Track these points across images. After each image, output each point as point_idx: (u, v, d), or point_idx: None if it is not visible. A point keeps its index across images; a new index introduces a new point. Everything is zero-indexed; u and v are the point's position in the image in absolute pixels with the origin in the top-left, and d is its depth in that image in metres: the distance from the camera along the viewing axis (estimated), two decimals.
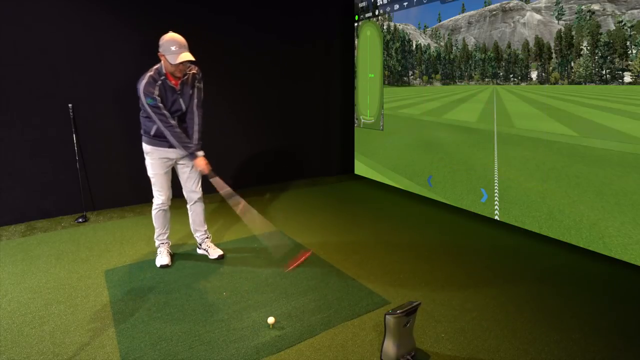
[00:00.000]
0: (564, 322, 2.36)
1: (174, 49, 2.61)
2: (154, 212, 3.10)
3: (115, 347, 2.17)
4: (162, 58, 2.69)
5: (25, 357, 2.09)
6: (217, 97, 4.99)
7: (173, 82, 2.78)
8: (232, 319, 2.41)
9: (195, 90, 2.91)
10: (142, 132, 2.97)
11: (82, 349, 2.15)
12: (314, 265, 3.11)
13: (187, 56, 2.63)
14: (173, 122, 2.80)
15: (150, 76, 2.72)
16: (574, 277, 2.91)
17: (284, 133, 5.66)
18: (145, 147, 2.98)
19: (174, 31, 2.74)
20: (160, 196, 3.06)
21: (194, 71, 2.91)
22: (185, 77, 2.84)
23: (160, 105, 2.73)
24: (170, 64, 2.64)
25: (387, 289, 2.75)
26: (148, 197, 4.93)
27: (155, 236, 3.19)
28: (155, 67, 2.77)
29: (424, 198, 4.76)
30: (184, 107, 2.88)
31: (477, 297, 2.64)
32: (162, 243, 3.19)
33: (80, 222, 4.15)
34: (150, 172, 3.03)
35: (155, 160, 2.98)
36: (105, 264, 3.18)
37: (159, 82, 2.73)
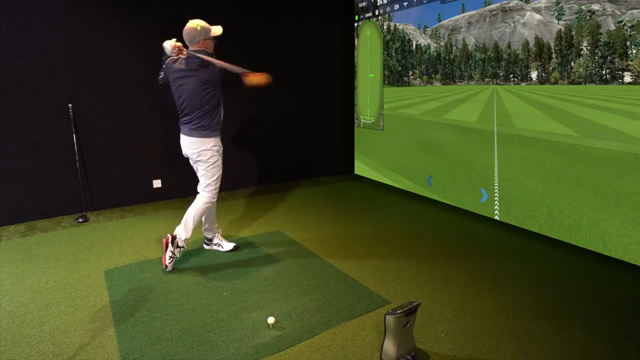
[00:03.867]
0: (564, 322, 2.36)
1: (210, 26, 2.91)
2: (208, 206, 3.09)
3: (115, 347, 2.17)
4: (205, 41, 2.89)
5: (25, 357, 2.09)
6: None
7: None
8: (232, 319, 2.41)
9: None
10: (207, 129, 2.95)
11: (82, 349, 2.15)
12: (314, 265, 3.11)
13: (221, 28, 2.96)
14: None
15: (209, 52, 2.94)
16: (574, 277, 2.91)
17: (283, 133, 5.66)
18: (215, 142, 2.99)
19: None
20: (217, 193, 3.13)
21: None
22: None
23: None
24: (212, 40, 2.94)
25: (387, 289, 2.75)
26: (148, 197, 4.94)
27: (205, 228, 3.31)
28: (201, 54, 2.88)
29: (424, 198, 4.76)
30: None
31: (477, 297, 2.64)
32: (217, 232, 3.38)
33: (80, 222, 4.15)
34: (218, 170, 3.04)
35: (220, 157, 3.04)
36: (105, 264, 3.18)
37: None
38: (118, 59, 4.38)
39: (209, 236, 3.39)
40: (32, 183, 4.15)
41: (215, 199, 3.12)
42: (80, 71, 4.23)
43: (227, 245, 3.38)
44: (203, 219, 3.29)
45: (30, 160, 4.11)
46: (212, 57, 2.90)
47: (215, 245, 3.40)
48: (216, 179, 3.06)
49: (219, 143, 3.04)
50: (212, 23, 3.02)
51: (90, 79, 4.30)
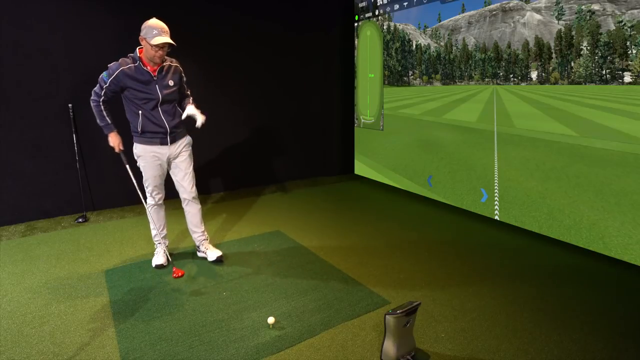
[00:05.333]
0: (564, 322, 2.36)
1: (155, 32, 2.66)
2: (148, 210, 3.08)
3: (115, 347, 2.17)
4: (142, 41, 2.72)
5: (25, 357, 2.09)
6: (216, 96, 4.99)
7: (149, 68, 2.78)
8: (232, 319, 2.41)
9: (184, 84, 3.02)
10: (132, 132, 2.93)
11: (82, 349, 2.15)
12: (314, 265, 3.11)
13: (166, 39, 2.67)
14: (101, 103, 2.81)
15: (123, 58, 2.78)
16: (573, 277, 2.91)
17: (283, 133, 5.66)
18: (136, 148, 2.92)
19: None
20: (153, 198, 3.04)
21: (177, 64, 2.95)
22: (166, 66, 2.85)
23: (105, 85, 2.75)
24: (150, 47, 2.67)
25: (387, 289, 2.75)
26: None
27: (152, 235, 3.18)
28: (130, 54, 2.81)
29: (424, 198, 4.76)
30: (160, 95, 2.81)
31: (477, 297, 2.64)
32: (159, 243, 3.16)
33: (80, 222, 4.15)
34: (143, 175, 2.97)
35: (147, 163, 2.92)
36: (105, 264, 3.18)
37: (131, 65, 2.75)
38: (118, 59, 4.37)
39: (196, 243, 3.24)
40: (32, 183, 4.15)
41: (152, 204, 3.03)
42: (80, 71, 4.23)
43: (212, 255, 3.16)
44: (187, 222, 3.17)
45: (30, 160, 4.11)
46: (130, 62, 2.75)
47: (201, 252, 3.24)
48: (145, 182, 2.98)
49: (139, 151, 2.91)
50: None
51: (90, 79, 4.28)
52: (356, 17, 5.60)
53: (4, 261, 3.25)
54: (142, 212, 4.44)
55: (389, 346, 1.98)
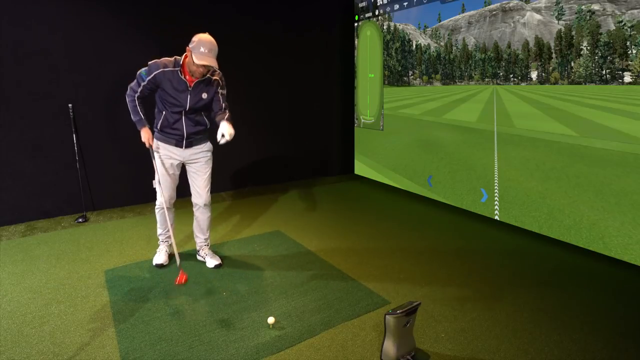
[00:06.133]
0: (564, 322, 2.36)
1: (203, 50, 2.58)
2: (155, 210, 3.09)
3: (115, 347, 2.17)
4: (188, 52, 2.66)
5: (25, 357, 2.09)
6: None
7: (187, 77, 2.73)
8: (232, 319, 2.41)
9: (220, 96, 2.88)
10: (154, 127, 2.94)
11: (82, 349, 2.15)
12: (314, 265, 3.11)
13: (210, 61, 2.60)
14: (136, 99, 2.80)
15: (167, 59, 2.73)
16: (573, 277, 2.91)
17: (283, 133, 5.66)
18: (155, 143, 2.94)
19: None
20: (160, 197, 3.01)
21: (217, 77, 2.85)
22: (205, 79, 2.78)
23: (143, 83, 2.73)
24: (193, 62, 2.62)
25: (387, 289, 2.75)
26: (148, 197, 4.93)
27: (157, 233, 3.19)
28: (177, 56, 2.76)
29: (424, 198, 4.76)
30: (188, 105, 2.79)
31: (477, 297, 2.64)
32: (162, 241, 3.17)
33: (80, 222, 4.15)
34: (157, 170, 2.95)
35: (164, 159, 2.95)
36: (105, 264, 3.18)
37: (171, 69, 2.71)
38: (118, 59, 4.38)
39: (197, 247, 3.24)
40: (32, 183, 4.15)
41: (160, 205, 3.01)
42: (80, 71, 4.23)
43: (210, 262, 3.12)
44: (194, 225, 3.17)
45: (30, 160, 4.11)
46: (171, 66, 2.71)
47: (200, 257, 3.22)
48: (157, 179, 2.94)
49: (156, 146, 2.93)
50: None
51: (90, 79, 4.30)
52: (356, 17, 5.60)
53: (4, 261, 3.25)
54: (142, 212, 4.44)
55: (389, 346, 1.98)
